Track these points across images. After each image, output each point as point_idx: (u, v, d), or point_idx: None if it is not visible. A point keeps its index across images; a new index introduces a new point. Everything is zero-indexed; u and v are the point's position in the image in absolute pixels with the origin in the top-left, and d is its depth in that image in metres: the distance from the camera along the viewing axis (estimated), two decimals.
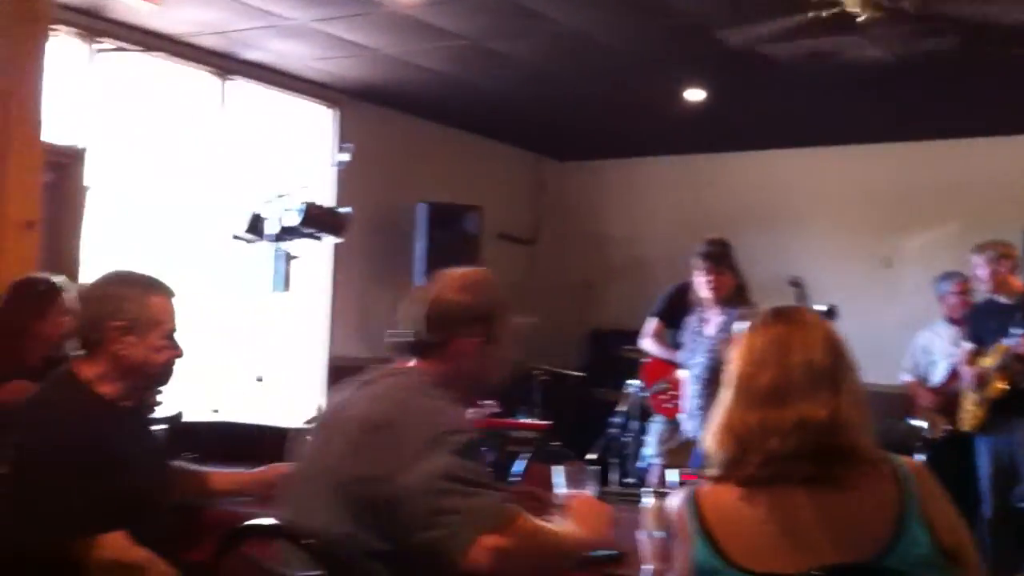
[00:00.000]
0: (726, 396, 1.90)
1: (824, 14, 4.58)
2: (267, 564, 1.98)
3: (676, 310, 5.74)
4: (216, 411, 5.92)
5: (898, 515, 1.75)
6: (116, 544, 2.43)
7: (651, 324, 5.84)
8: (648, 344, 5.85)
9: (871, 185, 7.81)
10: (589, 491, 2.65)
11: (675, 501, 1.91)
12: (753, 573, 1.76)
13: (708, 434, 1.90)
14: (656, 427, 5.77)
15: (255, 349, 6.44)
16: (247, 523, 2.03)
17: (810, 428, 1.79)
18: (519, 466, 3.85)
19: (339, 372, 7.04)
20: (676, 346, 5.72)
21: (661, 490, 2.70)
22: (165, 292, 2.70)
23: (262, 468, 3.00)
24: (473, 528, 1.89)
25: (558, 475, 2.64)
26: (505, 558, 1.89)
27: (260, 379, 6.22)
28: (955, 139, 7.41)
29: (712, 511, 1.84)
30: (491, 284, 2.40)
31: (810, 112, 7.05)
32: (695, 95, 6.63)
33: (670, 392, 5.64)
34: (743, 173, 8.22)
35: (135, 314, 2.59)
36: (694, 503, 1.87)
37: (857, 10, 4.54)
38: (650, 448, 5.73)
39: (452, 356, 2.25)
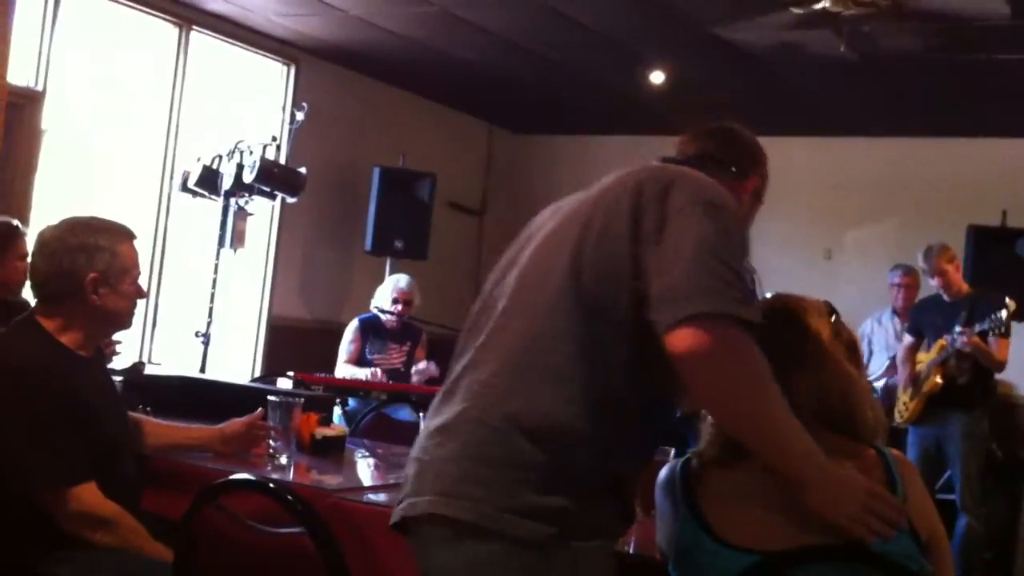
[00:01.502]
0: None
1: (802, 11, 4.64)
2: (244, 519, 1.97)
3: None
4: (145, 364, 5.88)
5: None
6: (87, 496, 2.41)
7: None
8: None
9: (818, 177, 7.92)
10: None
11: (665, 473, 1.94)
12: (738, 548, 1.79)
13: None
14: None
15: (197, 304, 6.37)
16: (229, 478, 2.01)
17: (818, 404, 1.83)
18: None
19: (278, 331, 7.08)
20: None
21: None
22: (132, 237, 2.67)
23: (223, 424, 3.00)
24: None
25: None
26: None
27: (199, 334, 6.15)
28: (902, 137, 7.54)
29: (701, 485, 1.87)
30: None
31: (766, 101, 7.12)
32: (657, 77, 6.65)
33: None
34: None
35: (107, 263, 2.55)
36: (685, 476, 1.90)
37: (839, 8, 4.61)
38: None
39: None
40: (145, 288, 2.74)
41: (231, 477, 2.02)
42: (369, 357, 5.91)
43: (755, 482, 1.81)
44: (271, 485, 1.98)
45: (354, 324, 5.98)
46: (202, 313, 6.17)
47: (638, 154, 8.57)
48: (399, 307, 5.93)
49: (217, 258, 6.18)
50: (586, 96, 7.55)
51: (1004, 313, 5.19)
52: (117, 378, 3.30)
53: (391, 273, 6.66)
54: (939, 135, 7.39)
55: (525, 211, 8.40)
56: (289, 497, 1.88)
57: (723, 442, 1.87)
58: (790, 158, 8.01)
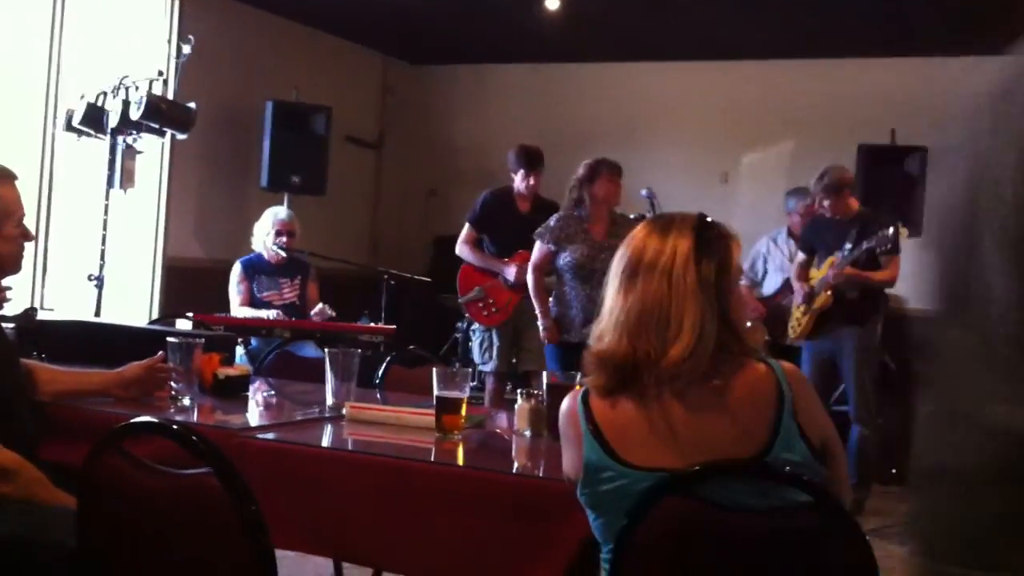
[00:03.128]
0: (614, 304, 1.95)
1: None
2: (148, 462, 1.94)
3: (492, 218, 5.83)
4: (50, 309, 5.72)
5: (776, 413, 1.85)
6: None
7: (466, 231, 5.88)
8: (464, 251, 5.88)
9: (713, 101, 8.00)
10: (463, 393, 2.71)
11: (567, 403, 1.97)
12: (641, 469, 1.84)
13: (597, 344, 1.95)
14: (475, 336, 5.88)
15: (89, 247, 6.19)
16: (131, 421, 1.97)
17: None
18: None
19: (175, 273, 6.95)
20: (495, 253, 5.81)
21: (532, 392, 2.77)
22: (12, 178, 2.58)
23: (121, 368, 2.93)
24: None
25: (436, 377, 2.68)
26: None
27: (92, 277, 5.99)
28: (793, 59, 7.63)
29: (601, 412, 1.91)
30: None
31: (661, 27, 7.14)
32: (552, 3, 6.60)
33: (487, 300, 5.73)
34: (593, 85, 8.29)
35: None
36: (586, 405, 1.93)
37: None
38: (475, 356, 5.83)
39: None
40: (32, 231, 2.65)
41: (132, 420, 1.98)
42: (260, 296, 5.82)
43: (647, 408, 1.86)
44: (174, 427, 1.94)
45: (237, 267, 5.87)
46: (94, 256, 6.01)
47: (536, 83, 8.64)
48: (283, 239, 5.84)
49: (107, 199, 5.99)
50: (482, 24, 7.48)
51: (891, 231, 5.32)
52: (8, 325, 3.21)
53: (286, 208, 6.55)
54: (829, 56, 7.50)
55: (423, 143, 8.38)
56: (194, 438, 1.85)
57: (609, 371, 1.91)
58: (686, 84, 8.11)
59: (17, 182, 2.59)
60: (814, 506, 1.74)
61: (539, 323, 5.32)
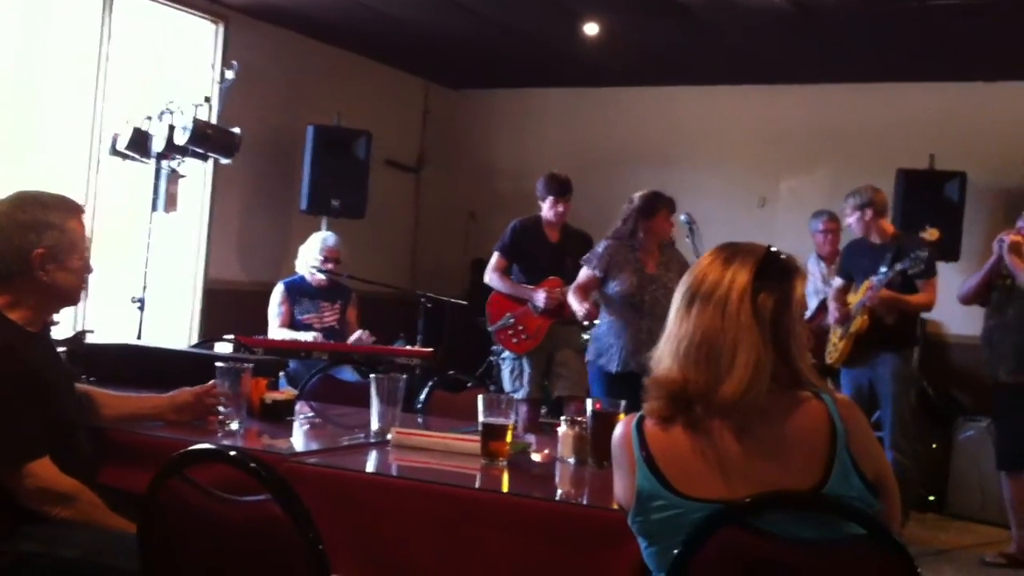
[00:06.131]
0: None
1: None
2: (210, 489, 1.97)
3: (521, 246, 5.87)
4: (91, 332, 5.79)
5: (829, 447, 1.85)
6: (45, 472, 2.40)
7: (496, 259, 5.92)
8: (493, 280, 5.92)
9: (751, 126, 8.00)
10: (509, 419, 2.73)
11: (621, 430, 1.98)
12: (693, 499, 1.85)
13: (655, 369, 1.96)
14: (506, 363, 5.90)
15: (131, 269, 6.28)
16: (195, 447, 2.01)
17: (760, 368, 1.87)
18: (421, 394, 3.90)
19: (216, 295, 7.02)
20: (525, 281, 5.85)
21: (577, 419, 2.79)
22: (80, 212, 2.64)
23: (173, 392, 2.98)
24: None
25: (481, 404, 2.71)
26: None
27: (135, 300, 6.08)
28: (832, 83, 7.62)
29: (655, 439, 1.92)
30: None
31: (700, 52, 7.16)
32: (591, 28, 6.65)
33: (516, 327, 5.77)
34: (632, 109, 8.32)
35: (56, 239, 2.53)
36: (640, 432, 1.94)
37: None
38: (505, 383, 5.85)
39: None
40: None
41: (195, 447, 2.01)
42: (300, 318, 5.88)
43: (700, 438, 1.87)
44: (235, 455, 1.98)
45: (280, 288, 5.94)
46: (137, 279, 6.09)
47: (575, 107, 8.68)
48: (331, 265, 5.92)
49: (150, 222, 6.09)
50: (521, 49, 7.53)
51: (925, 253, 5.32)
52: (60, 348, 3.27)
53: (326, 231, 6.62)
54: (867, 81, 7.49)
55: (462, 167, 8.43)
56: (253, 465, 1.88)
57: (664, 398, 1.91)
58: (723, 108, 8.12)
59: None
60: (868, 539, 1.74)
61: (576, 308, 5.29)
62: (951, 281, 6.21)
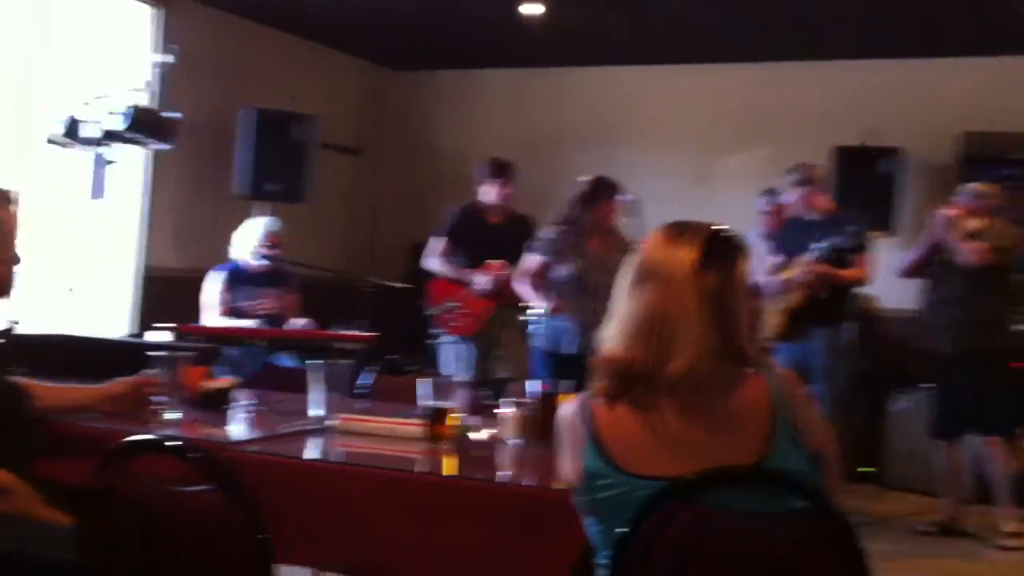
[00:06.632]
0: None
1: None
2: (155, 481, 1.94)
3: (463, 229, 5.88)
4: (16, 323, 5.67)
5: (772, 422, 1.87)
6: None
7: (439, 243, 5.92)
8: (434, 264, 5.92)
9: (690, 105, 8.04)
10: (453, 402, 2.73)
11: (568, 409, 1.98)
12: (640, 477, 1.86)
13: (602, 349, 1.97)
14: (447, 346, 5.91)
15: (66, 259, 6.16)
16: (136, 438, 1.97)
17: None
18: (365, 378, 3.87)
19: (154, 283, 6.91)
20: (467, 265, 5.85)
21: (521, 400, 2.79)
22: (10, 201, 2.57)
23: (109, 383, 2.93)
24: None
25: (423, 387, 2.70)
26: None
27: (71, 289, 5.97)
28: (767, 62, 7.68)
29: (602, 418, 1.93)
30: None
31: (639, 31, 7.17)
32: (533, 8, 6.62)
33: (459, 310, 5.78)
34: (574, 89, 8.30)
35: None
36: (586, 410, 1.94)
37: None
38: (447, 367, 5.85)
39: None
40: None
41: (137, 437, 1.98)
42: (240, 305, 5.80)
43: (646, 416, 1.88)
44: (179, 444, 1.95)
45: (220, 275, 5.84)
46: (71, 268, 5.98)
47: (518, 88, 8.64)
48: (276, 251, 5.84)
49: (86, 210, 5.97)
50: (464, 30, 7.48)
51: (856, 228, 5.40)
52: None
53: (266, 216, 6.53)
54: (803, 59, 7.56)
55: (403, 149, 8.36)
56: (196, 454, 1.86)
57: (610, 377, 1.92)
58: (664, 88, 8.15)
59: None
60: (811, 511, 1.76)
61: (541, 304, 5.33)
62: (886, 256, 6.31)
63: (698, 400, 1.88)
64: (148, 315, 6.67)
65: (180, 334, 5.08)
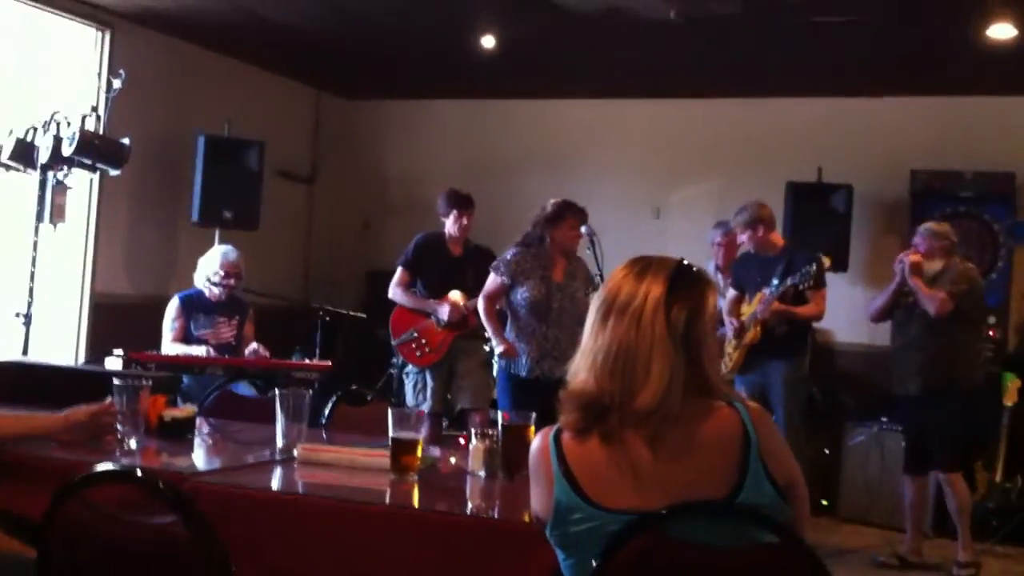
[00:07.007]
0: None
1: None
2: (112, 511, 1.90)
3: (423, 260, 5.90)
4: None
5: (742, 455, 1.88)
6: None
7: (399, 274, 5.94)
8: (397, 294, 5.94)
9: (645, 138, 8.10)
10: (420, 434, 2.70)
11: (538, 442, 1.98)
12: (612, 511, 1.85)
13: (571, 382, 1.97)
14: (411, 376, 5.90)
15: (15, 284, 6.04)
16: (98, 470, 1.93)
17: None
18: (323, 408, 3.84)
19: (103, 310, 6.80)
20: (427, 295, 5.87)
21: (487, 431, 2.78)
22: None
23: (67, 411, 2.87)
24: None
25: (393, 417, 2.67)
26: None
27: (20, 315, 5.85)
28: (723, 98, 7.76)
29: (572, 451, 1.92)
30: None
31: (595, 64, 7.22)
32: (488, 41, 6.65)
33: (419, 341, 5.79)
34: (527, 120, 8.35)
35: None
36: (557, 444, 1.94)
37: None
38: (408, 397, 5.84)
39: None
40: None
41: (100, 468, 1.94)
42: (196, 334, 5.73)
43: (615, 449, 1.89)
44: (140, 475, 1.91)
45: (175, 302, 5.77)
46: (20, 293, 5.86)
47: (469, 118, 8.67)
48: (231, 280, 5.78)
49: (36, 234, 5.87)
50: (416, 60, 7.49)
51: (814, 267, 5.48)
52: None
53: (220, 244, 6.47)
54: (757, 95, 7.65)
55: (355, 177, 8.36)
56: (160, 486, 1.82)
57: (579, 410, 1.92)
58: (618, 120, 8.21)
59: None
60: (780, 546, 1.77)
61: (494, 344, 5.38)
62: (840, 291, 6.38)
63: (667, 432, 1.88)
64: (98, 342, 6.57)
65: (129, 362, 4.99)
